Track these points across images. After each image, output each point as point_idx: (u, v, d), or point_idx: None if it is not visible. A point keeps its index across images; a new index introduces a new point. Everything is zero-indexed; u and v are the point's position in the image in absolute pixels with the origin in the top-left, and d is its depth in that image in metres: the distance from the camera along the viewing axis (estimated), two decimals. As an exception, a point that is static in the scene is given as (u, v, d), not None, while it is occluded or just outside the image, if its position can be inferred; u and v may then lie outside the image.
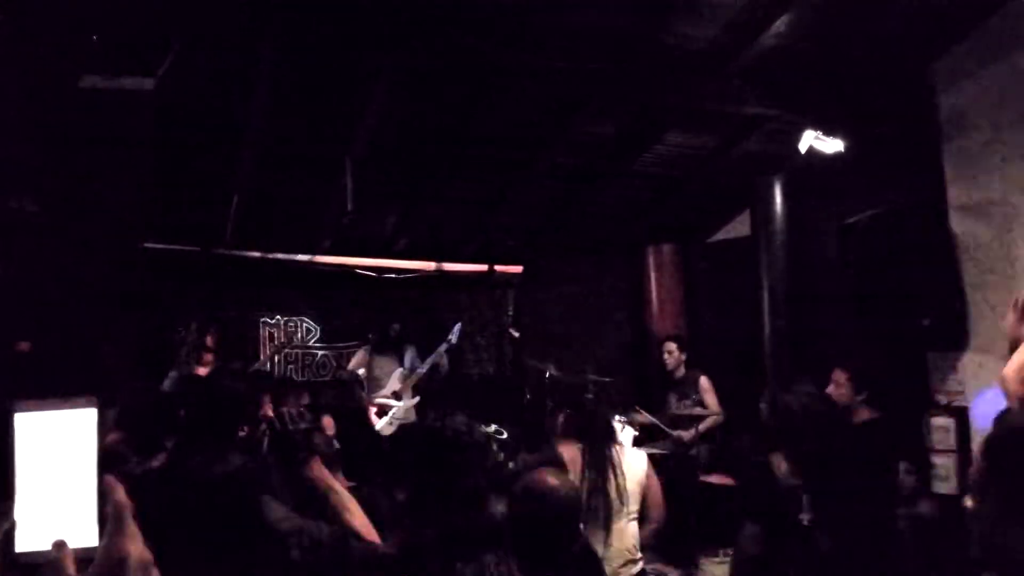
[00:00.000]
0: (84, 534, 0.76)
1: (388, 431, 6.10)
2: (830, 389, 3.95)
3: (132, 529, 0.78)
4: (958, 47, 4.86)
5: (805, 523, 3.58)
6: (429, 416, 2.31)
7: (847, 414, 3.86)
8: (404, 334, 6.50)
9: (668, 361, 6.08)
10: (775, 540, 3.66)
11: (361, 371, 6.50)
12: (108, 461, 0.78)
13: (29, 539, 0.75)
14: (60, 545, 0.74)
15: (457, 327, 6.45)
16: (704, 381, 5.87)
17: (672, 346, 6.12)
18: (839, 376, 3.92)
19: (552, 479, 2.23)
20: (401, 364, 6.41)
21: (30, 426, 0.77)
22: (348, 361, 6.87)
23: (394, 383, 6.29)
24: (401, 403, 6.19)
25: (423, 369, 6.29)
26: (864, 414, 3.85)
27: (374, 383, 6.44)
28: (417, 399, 6.25)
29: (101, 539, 0.75)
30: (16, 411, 0.77)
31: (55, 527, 0.75)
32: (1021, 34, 4.53)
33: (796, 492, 3.59)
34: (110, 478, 0.77)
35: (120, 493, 0.77)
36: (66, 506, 0.76)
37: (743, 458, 4.28)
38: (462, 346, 7.02)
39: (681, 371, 6.04)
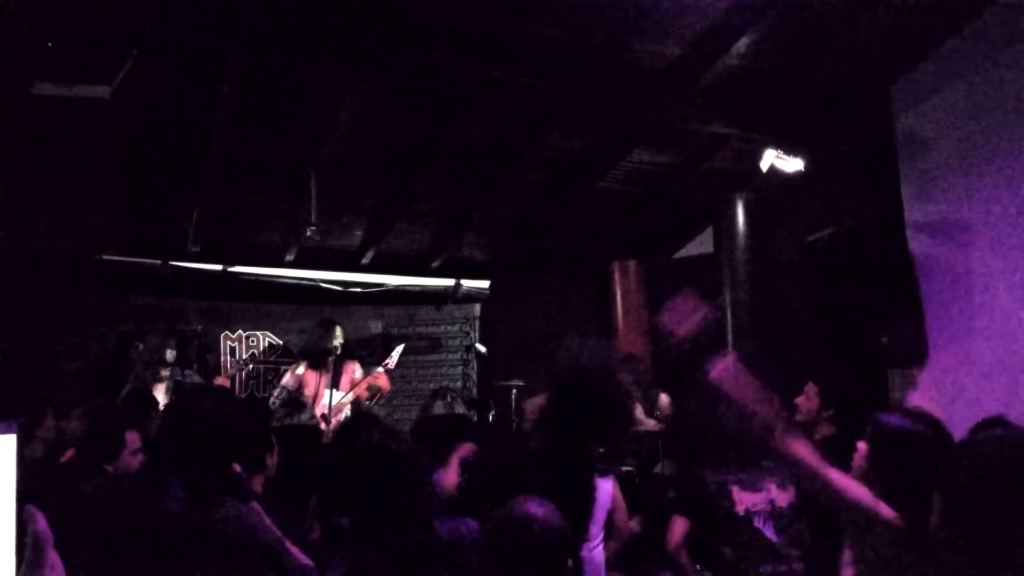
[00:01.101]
0: (1, 564, 0.71)
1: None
2: (800, 400, 3.96)
3: (52, 560, 0.74)
4: (916, 69, 4.97)
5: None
6: (363, 435, 2.15)
7: (810, 429, 3.88)
8: (345, 351, 6.27)
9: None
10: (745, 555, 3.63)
11: (292, 386, 6.22)
12: (58, 478, 0.73)
13: None
14: None
15: (398, 349, 6.28)
16: (663, 398, 5.86)
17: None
18: (811, 389, 3.94)
19: (536, 507, 1.98)
20: (335, 385, 6.14)
21: None
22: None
23: (323, 406, 6.03)
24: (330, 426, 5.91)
25: (362, 387, 6.05)
26: (825, 430, 3.88)
27: (300, 402, 6.20)
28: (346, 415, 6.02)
29: (19, 571, 0.71)
30: None
31: None
32: (977, 56, 4.65)
33: (726, 491, 3.56)
34: (31, 508, 0.73)
35: (41, 523, 0.73)
36: None
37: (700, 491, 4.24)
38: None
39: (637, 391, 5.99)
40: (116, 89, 3.82)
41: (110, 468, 3.16)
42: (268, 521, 2.26)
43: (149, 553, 1.71)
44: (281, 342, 7.28)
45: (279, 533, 2.24)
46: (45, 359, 6.25)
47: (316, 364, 6.05)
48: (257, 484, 2.72)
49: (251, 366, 7.11)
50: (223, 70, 4.28)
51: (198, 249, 6.39)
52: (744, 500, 3.35)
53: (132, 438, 3.31)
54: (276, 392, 6.26)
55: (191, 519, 1.80)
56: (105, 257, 6.27)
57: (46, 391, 5.97)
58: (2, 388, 4.99)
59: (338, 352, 6.03)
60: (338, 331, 6.12)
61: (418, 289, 7.50)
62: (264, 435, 3.03)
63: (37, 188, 5.16)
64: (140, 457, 3.26)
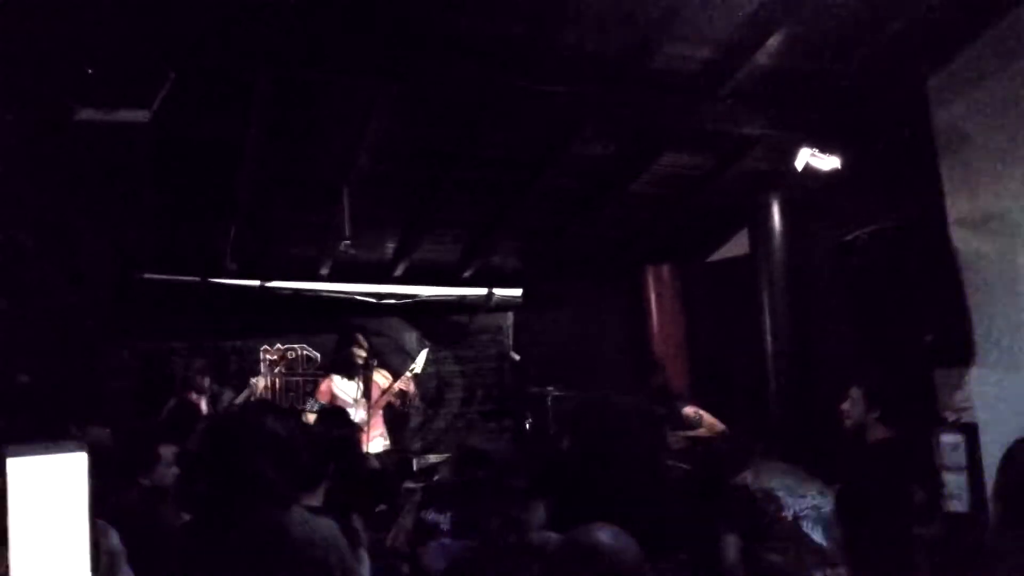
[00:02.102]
0: None
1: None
2: (845, 405, 3.87)
3: (127, 574, 0.75)
4: (953, 62, 4.87)
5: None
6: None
7: (861, 432, 3.78)
8: (371, 360, 6.36)
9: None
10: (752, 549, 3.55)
11: (326, 398, 6.36)
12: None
13: None
14: None
15: (423, 353, 6.39)
16: (689, 411, 5.72)
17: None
18: (855, 392, 3.83)
19: (608, 537, 1.87)
20: (366, 395, 6.26)
21: (21, 471, 0.74)
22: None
23: (361, 411, 6.16)
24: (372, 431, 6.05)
25: (391, 394, 6.19)
26: (879, 432, 3.78)
27: (340, 411, 6.29)
28: (380, 431, 6.14)
29: None
30: (7, 456, 0.74)
31: (48, 572, 0.72)
32: (1015, 47, 4.55)
33: (773, 496, 3.49)
34: (103, 523, 0.74)
35: (114, 538, 0.75)
36: (59, 551, 0.73)
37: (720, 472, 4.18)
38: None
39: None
40: (155, 113, 3.89)
41: (146, 481, 3.23)
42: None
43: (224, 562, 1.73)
44: (318, 355, 7.36)
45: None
46: (87, 378, 6.38)
47: (346, 374, 6.18)
48: (316, 498, 2.73)
49: (288, 379, 7.21)
50: (254, 89, 4.35)
51: (235, 266, 6.48)
52: (790, 505, 3.29)
53: (167, 452, 3.38)
54: (309, 404, 6.37)
55: (267, 527, 1.82)
56: (146, 276, 6.40)
57: (89, 410, 6.09)
58: (45, 407, 5.09)
59: (364, 361, 6.15)
60: (360, 338, 6.24)
61: (451, 299, 7.53)
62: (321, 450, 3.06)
63: (79, 210, 5.28)
64: (175, 470, 3.33)
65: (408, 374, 6.28)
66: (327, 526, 2.09)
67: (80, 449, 0.75)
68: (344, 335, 6.38)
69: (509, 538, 2.06)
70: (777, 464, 3.47)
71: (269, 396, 6.97)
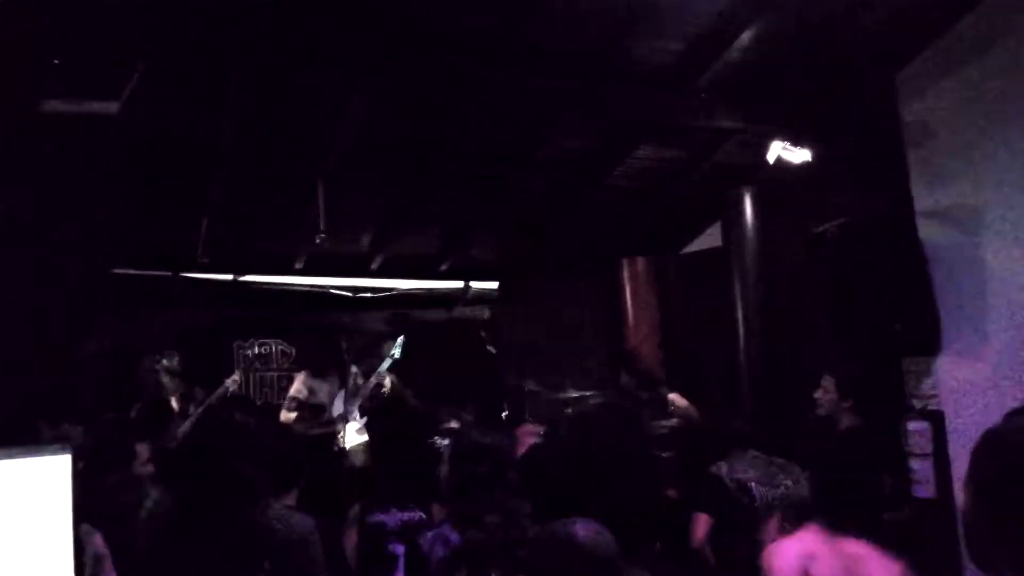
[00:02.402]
0: None
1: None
2: (818, 394, 3.98)
3: None
4: (920, 57, 4.96)
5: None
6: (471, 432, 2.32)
7: (832, 420, 3.88)
8: (346, 353, 6.35)
9: (623, 384, 6.02)
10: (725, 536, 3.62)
11: (302, 395, 6.32)
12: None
13: None
14: None
15: (400, 340, 6.34)
16: (674, 397, 5.80)
17: (622, 370, 6.05)
18: (827, 382, 3.95)
19: (583, 530, 1.92)
20: (344, 386, 6.25)
21: (4, 473, 0.73)
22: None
23: (339, 405, 6.16)
24: (349, 424, 6.06)
25: (366, 389, 6.17)
26: (849, 420, 3.87)
27: (318, 408, 6.30)
28: (364, 419, 6.14)
29: None
30: None
31: None
32: (981, 42, 4.64)
33: (746, 487, 3.56)
34: (87, 526, 0.74)
35: (98, 542, 0.75)
36: (42, 555, 0.73)
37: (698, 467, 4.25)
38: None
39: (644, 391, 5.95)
40: (124, 104, 3.83)
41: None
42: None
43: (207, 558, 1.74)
44: (293, 349, 7.31)
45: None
46: (56, 374, 6.28)
47: (319, 372, 6.15)
48: (291, 498, 2.73)
49: (262, 374, 7.17)
50: (228, 81, 4.30)
51: (208, 260, 6.41)
52: (763, 495, 3.36)
53: (142, 449, 3.33)
54: (286, 403, 6.34)
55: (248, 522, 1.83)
56: (116, 271, 6.31)
57: (57, 406, 6.00)
58: (12, 403, 5.01)
59: (343, 359, 6.13)
60: (343, 344, 6.23)
61: (428, 292, 7.52)
62: (299, 450, 3.06)
63: (47, 203, 5.19)
64: (151, 468, 3.29)
65: (387, 362, 6.24)
66: (305, 523, 2.11)
67: (64, 451, 0.75)
68: (324, 335, 6.35)
69: (511, 532, 2.10)
70: (752, 455, 3.53)
71: (243, 392, 6.91)
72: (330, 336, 6.29)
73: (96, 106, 3.88)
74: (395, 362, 6.28)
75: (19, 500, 0.72)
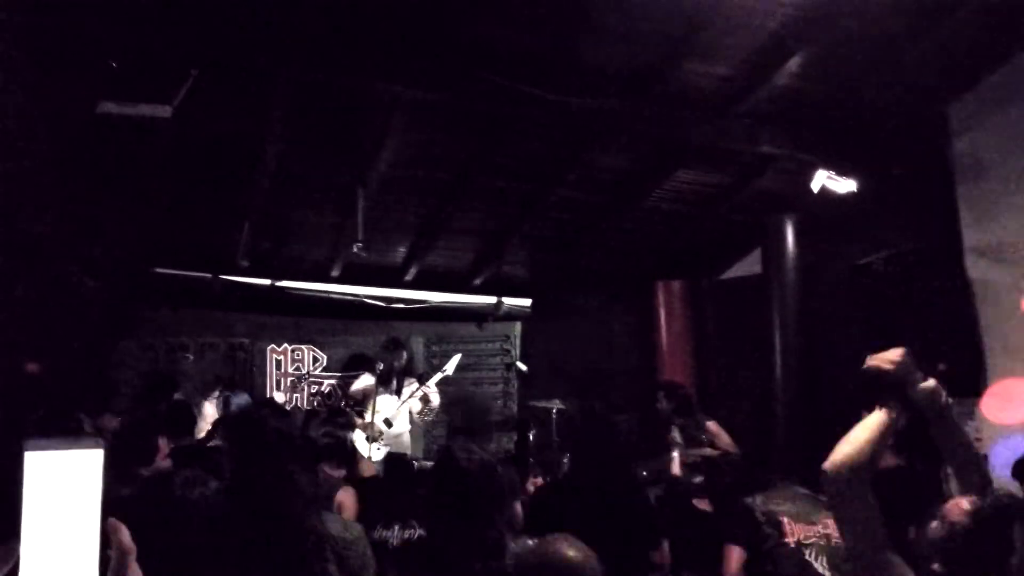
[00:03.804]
0: None
1: (376, 456, 6.03)
2: None
3: (135, 573, 0.75)
4: (973, 91, 4.87)
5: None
6: (454, 451, 2.20)
7: None
8: (405, 366, 6.47)
9: (660, 408, 6.00)
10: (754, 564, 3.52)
11: (360, 397, 6.47)
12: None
13: None
14: None
15: (455, 359, 6.42)
16: (711, 425, 5.74)
17: (661, 394, 6.03)
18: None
19: (571, 550, 1.94)
20: (398, 394, 6.38)
21: (38, 465, 0.74)
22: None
23: (388, 409, 6.28)
24: (391, 430, 6.16)
25: (415, 398, 6.28)
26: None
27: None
28: (409, 427, 6.24)
29: None
30: (26, 450, 0.74)
31: (57, 569, 0.73)
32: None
33: (776, 521, 3.45)
34: (114, 521, 0.75)
35: (124, 536, 0.75)
36: (69, 547, 0.73)
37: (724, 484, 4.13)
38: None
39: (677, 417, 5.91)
40: (176, 108, 3.92)
41: (144, 472, 3.24)
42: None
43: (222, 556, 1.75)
44: (325, 356, 7.37)
45: None
46: (94, 368, 6.40)
47: (382, 379, 6.28)
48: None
49: (303, 381, 7.26)
50: (276, 90, 4.38)
51: (247, 264, 6.51)
52: (796, 532, 3.24)
53: (163, 444, 3.40)
54: (342, 401, 6.50)
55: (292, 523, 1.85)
56: (158, 270, 6.43)
57: (93, 400, 6.12)
58: (50, 395, 5.11)
59: (403, 367, 6.28)
60: (404, 354, 6.39)
61: (460, 306, 7.53)
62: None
63: (98, 202, 5.31)
64: (169, 463, 3.35)
65: (433, 382, 6.34)
66: (356, 526, 2.14)
67: (97, 446, 0.75)
68: (391, 342, 6.51)
69: (476, 566, 2.03)
70: (792, 489, 3.39)
71: (273, 397, 6.99)
72: (391, 348, 6.45)
73: (149, 109, 3.96)
74: (445, 378, 6.38)
75: (52, 491, 0.73)
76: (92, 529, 0.73)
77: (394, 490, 3.87)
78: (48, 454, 0.74)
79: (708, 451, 5.58)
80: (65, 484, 0.74)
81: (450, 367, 6.38)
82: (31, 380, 5.09)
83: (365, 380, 6.52)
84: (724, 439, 5.66)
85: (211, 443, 5.26)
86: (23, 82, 3.87)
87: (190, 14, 3.79)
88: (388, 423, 6.18)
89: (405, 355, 6.47)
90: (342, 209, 5.70)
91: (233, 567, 1.79)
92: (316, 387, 7.35)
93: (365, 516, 3.33)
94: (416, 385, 6.41)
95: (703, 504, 4.79)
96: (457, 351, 6.95)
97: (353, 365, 7.03)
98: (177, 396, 6.04)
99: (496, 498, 2.16)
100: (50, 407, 3.80)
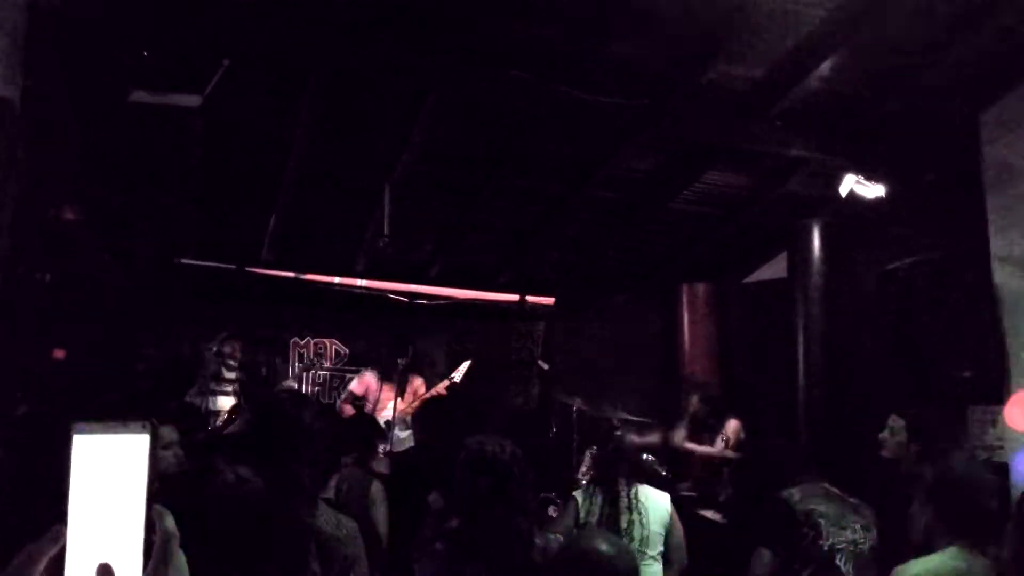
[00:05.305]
0: (130, 562, 0.74)
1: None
2: (883, 435, 3.69)
3: (179, 560, 0.76)
4: (1006, 98, 4.79)
5: None
6: (478, 442, 2.22)
7: (898, 466, 3.59)
8: (412, 365, 6.38)
9: (695, 410, 6.01)
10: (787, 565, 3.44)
11: (360, 393, 6.39)
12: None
13: (77, 564, 0.73)
14: (105, 570, 0.72)
15: (464, 365, 6.36)
16: (732, 424, 5.74)
17: (695, 397, 6.04)
18: (896, 422, 3.62)
19: (604, 544, 1.98)
20: (401, 395, 6.31)
21: (86, 449, 0.75)
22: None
23: (389, 412, 6.20)
24: (393, 433, 6.08)
25: (416, 401, 6.23)
26: (915, 465, 3.66)
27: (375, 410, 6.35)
28: (409, 431, 6.19)
29: (146, 568, 0.73)
30: (74, 433, 0.75)
31: (102, 553, 0.73)
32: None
33: (815, 523, 3.36)
34: (159, 507, 0.75)
35: (169, 522, 0.76)
36: (115, 532, 0.74)
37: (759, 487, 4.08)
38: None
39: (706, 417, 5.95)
40: (206, 99, 3.95)
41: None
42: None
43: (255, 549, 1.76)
44: (348, 350, 7.41)
45: None
46: (117, 357, 6.47)
47: (384, 375, 6.22)
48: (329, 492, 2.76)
49: (313, 372, 7.27)
50: (306, 84, 4.41)
51: (272, 257, 6.56)
52: (830, 535, 3.16)
53: (169, 434, 3.42)
54: (343, 396, 6.46)
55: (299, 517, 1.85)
56: (184, 261, 6.49)
57: (115, 389, 6.18)
58: (72, 383, 5.17)
59: (406, 365, 6.19)
60: (410, 350, 6.32)
61: (483, 303, 7.54)
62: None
63: (128, 190, 5.38)
64: (172, 452, 3.36)
65: (446, 383, 6.30)
66: (350, 522, 2.13)
67: (145, 431, 0.76)
68: (395, 340, 6.43)
69: (515, 556, 2.04)
70: (824, 488, 3.30)
71: (298, 388, 7.03)
72: (395, 345, 6.36)
73: (179, 99, 4.00)
74: (453, 383, 6.32)
75: (99, 476, 0.74)
76: (138, 514, 0.74)
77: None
78: (96, 438, 0.75)
79: (729, 453, 5.57)
80: (112, 468, 0.75)
81: (458, 375, 6.30)
82: (56, 367, 5.14)
83: (361, 376, 6.46)
84: (731, 441, 5.62)
85: (227, 431, 5.33)
86: (53, 71, 3.92)
87: (223, 4, 3.83)
88: (388, 425, 6.10)
89: (409, 354, 6.35)
90: (368, 204, 5.73)
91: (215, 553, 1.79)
92: (338, 381, 7.37)
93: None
94: (421, 385, 6.34)
95: (709, 514, 4.77)
96: (478, 349, 6.92)
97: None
98: (192, 391, 6.11)
99: (528, 489, 2.17)
100: (73, 396, 3.83)
